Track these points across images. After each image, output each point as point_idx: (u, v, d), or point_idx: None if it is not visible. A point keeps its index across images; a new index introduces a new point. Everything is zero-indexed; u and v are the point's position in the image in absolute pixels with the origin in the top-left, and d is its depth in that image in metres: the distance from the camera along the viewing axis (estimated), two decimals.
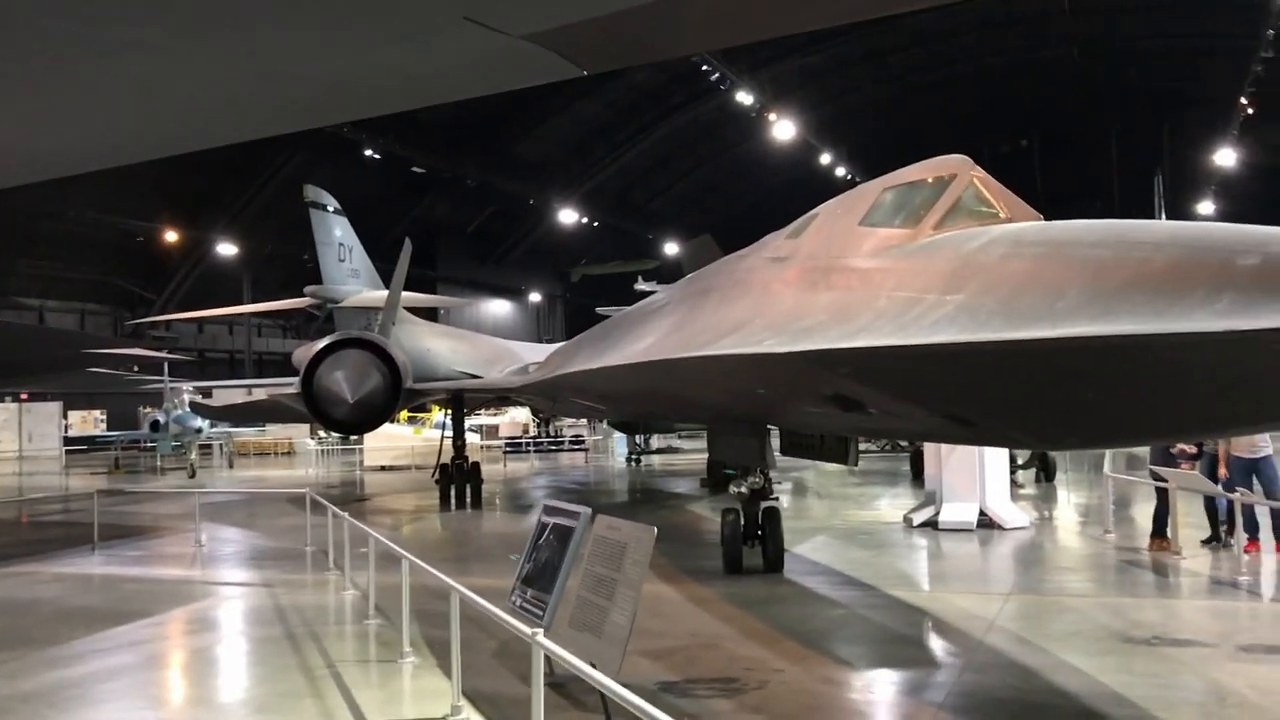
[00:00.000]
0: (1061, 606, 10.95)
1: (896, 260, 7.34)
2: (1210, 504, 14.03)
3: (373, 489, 27.81)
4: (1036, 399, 5.85)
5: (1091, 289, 5.38)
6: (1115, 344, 5.00)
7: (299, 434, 46.62)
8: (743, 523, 12.80)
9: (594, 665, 5.52)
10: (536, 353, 45.28)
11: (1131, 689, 7.61)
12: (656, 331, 12.00)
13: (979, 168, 7.69)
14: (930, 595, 11.52)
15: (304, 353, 41.08)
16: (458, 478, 23.13)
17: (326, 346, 19.51)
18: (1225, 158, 53.42)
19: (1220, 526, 13.91)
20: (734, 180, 72.03)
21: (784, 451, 13.32)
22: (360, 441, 35.69)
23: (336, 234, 42.98)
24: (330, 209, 42.62)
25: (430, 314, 45.10)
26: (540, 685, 5.64)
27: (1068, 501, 20.53)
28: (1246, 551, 12.75)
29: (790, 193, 67.07)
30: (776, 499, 13.09)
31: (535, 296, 75.50)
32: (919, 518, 16.88)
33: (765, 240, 11.41)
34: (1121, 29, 54.98)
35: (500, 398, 26.30)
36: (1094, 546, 14.86)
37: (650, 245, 73.38)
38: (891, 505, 19.98)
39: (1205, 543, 14.03)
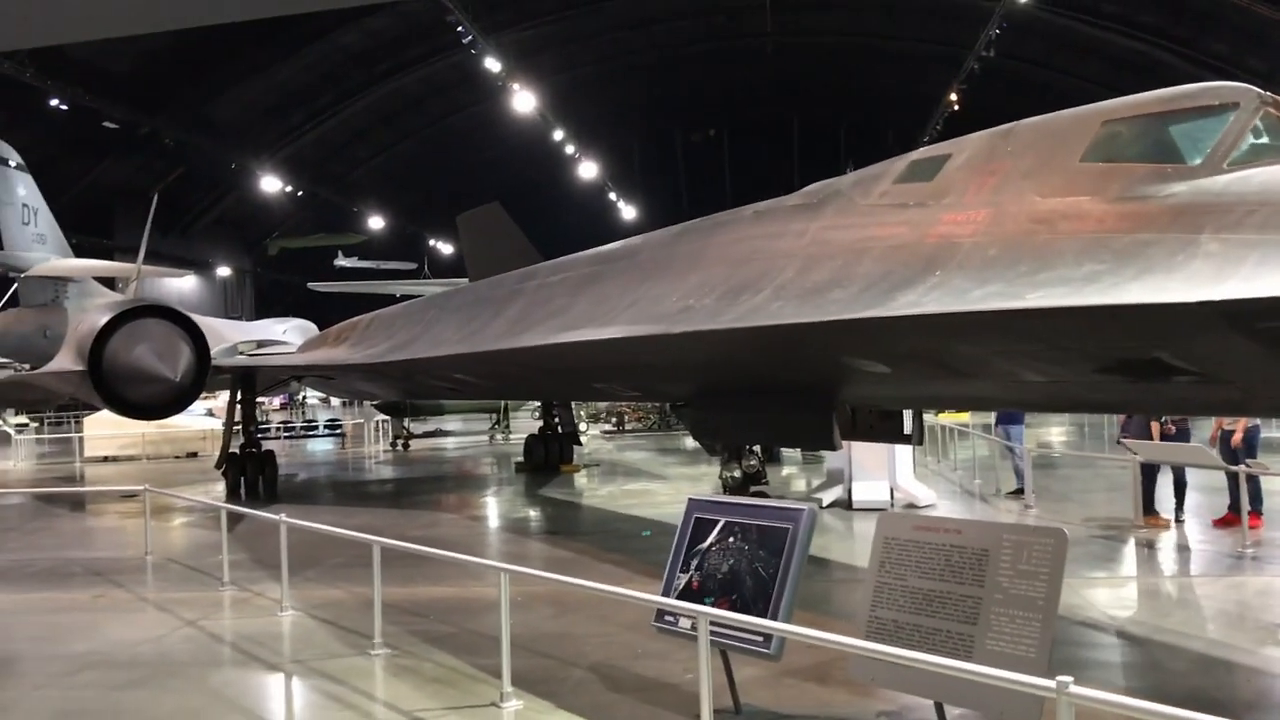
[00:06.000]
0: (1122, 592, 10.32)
1: (1197, 198, 6.17)
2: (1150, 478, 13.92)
3: (123, 483, 22.88)
4: None
5: None
6: None
7: None
8: None
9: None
10: (242, 331, 41.60)
11: None
12: (688, 293, 10.03)
13: (1269, 94, 6.66)
14: None
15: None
16: (249, 468, 20.31)
17: (118, 316, 16.33)
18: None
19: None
20: (442, 154, 69.09)
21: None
22: (79, 429, 30.85)
23: (20, 193, 37.75)
24: (12, 164, 37.37)
25: (107, 286, 40.01)
26: None
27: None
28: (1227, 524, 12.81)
29: (507, 165, 65.68)
30: (767, 482, 11.77)
31: (224, 271, 69.35)
32: (828, 497, 16.02)
33: (827, 189, 9.81)
34: (818, 25, 57.19)
35: (295, 377, 23.15)
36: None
37: (355, 219, 69.35)
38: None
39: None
